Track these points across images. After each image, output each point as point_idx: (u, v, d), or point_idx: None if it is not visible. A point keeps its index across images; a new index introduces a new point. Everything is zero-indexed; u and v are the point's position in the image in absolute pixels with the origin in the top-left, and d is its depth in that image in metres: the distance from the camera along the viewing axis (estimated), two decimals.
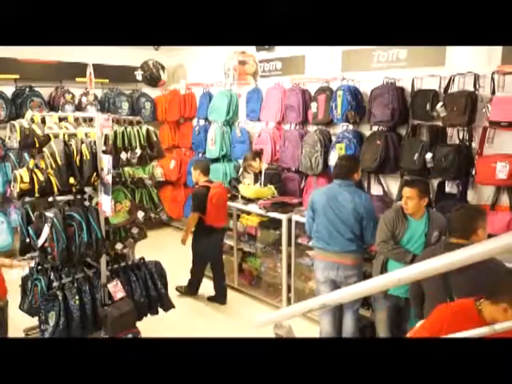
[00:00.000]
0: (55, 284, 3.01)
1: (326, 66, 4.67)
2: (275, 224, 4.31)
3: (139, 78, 6.36)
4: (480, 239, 2.19)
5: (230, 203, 4.63)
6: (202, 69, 6.31)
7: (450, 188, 3.72)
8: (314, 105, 4.58)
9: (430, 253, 2.30)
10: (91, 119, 3.58)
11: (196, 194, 4.27)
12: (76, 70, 5.71)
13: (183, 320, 4.05)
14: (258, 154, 4.84)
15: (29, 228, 2.99)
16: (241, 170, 5.05)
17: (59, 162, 3.01)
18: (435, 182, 3.82)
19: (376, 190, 4.26)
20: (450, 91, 3.60)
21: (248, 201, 4.57)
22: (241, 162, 5.49)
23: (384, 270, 2.94)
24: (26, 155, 4.30)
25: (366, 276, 3.37)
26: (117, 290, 3.22)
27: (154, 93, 6.72)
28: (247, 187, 4.61)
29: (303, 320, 3.89)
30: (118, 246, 3.52)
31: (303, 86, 4.84)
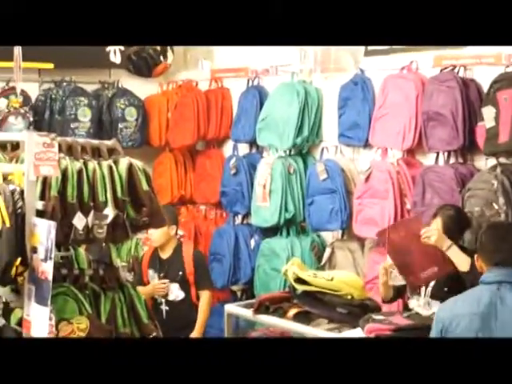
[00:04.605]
0: None
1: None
2: None
3: (116, 60, 6.69)
4: None
5: (297, 327, 4.66)
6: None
7: None
8: (488, 111, 4.61)
9: None
10: (17, 145, 3.90)
11: (204, 257, 5.94)
12: None
13: None
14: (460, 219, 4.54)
15: None
16: (327, 251, 4.84)
17: None
18: None
19: None
20: None
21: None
22: (326, 235, 5.83)
23: None
24: None
25: None
26: None
27: (143, 89, 7.11)
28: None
29: None
30: None
31: (464, 72, 4.95)
